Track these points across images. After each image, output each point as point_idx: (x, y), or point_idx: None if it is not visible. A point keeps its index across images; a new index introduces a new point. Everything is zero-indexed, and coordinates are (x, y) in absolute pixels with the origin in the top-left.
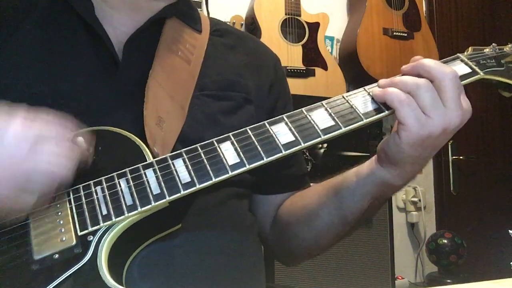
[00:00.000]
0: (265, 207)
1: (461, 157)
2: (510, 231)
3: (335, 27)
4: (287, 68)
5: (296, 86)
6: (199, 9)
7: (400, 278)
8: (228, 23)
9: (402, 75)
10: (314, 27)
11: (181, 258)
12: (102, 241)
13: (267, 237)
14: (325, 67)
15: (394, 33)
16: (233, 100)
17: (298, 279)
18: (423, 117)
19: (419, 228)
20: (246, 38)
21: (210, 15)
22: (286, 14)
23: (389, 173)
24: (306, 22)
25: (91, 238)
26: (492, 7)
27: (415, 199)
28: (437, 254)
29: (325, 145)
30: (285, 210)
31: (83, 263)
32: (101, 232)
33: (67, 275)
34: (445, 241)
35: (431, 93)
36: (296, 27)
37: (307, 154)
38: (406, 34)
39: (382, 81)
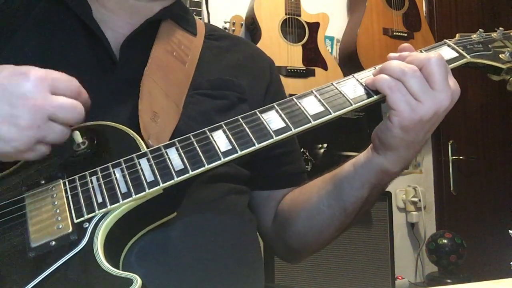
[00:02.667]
0: (265, 203)
1: (461, 157)
2: (510, 231)
3: (335, 27)
4: (287, 68)
5: (296, 86)
6: (198, 9)
7: (400, 278)
8: (227, 22)
9: None
10: (314, 27)
11: (179, 249)
12: (97, 228)
13: (268, 234)
14: (325, 67)
15: (394, 33)
16: (227, 99)
17: (298, 279)
18: (413, 102)
19: (419, 228)
20: (241, 42)
21: (210, 15)
22: (286, 14)
23: (386, 159)
24: (306, 22)
25: (87, 225)
26: (492, 7)
27: (415, 199)
28: (437, 254)
29: (325, 145)
30: (285, 206)
31: (79, 249)
32: (96, 219)
33: (63, 261)
34: (445, 241)
35: (418, 78)
36: (296, 27)
37: (307, 154)
38: (406, 34)
39: (375, 71)
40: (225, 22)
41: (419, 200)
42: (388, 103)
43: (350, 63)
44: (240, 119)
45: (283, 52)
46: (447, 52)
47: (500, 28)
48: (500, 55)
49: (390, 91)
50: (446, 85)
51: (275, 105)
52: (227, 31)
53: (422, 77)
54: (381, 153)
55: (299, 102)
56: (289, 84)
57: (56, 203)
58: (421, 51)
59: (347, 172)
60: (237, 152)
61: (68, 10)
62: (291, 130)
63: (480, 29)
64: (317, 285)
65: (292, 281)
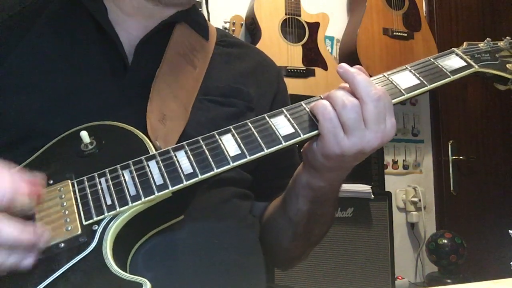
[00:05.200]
0: (255, 213)
1: (461, 157)
2: (510, 231)
3: (335, 27)
4: (287, 68)
5: (296, 86)
6: (199, 9)
7: (400, 278)
8: (227, 22)
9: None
10: (314, 27)
11: (184, 252)
12: (107, 230)
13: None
14: (325, 67)
15: (394, 33)
16: (235, 107)
17: (298, 279)
18: (340, 136)
19: (419, 228)
20: (251, 50)
21: (210, 15)
22: (286, 14)
23: (309, 174)
24: (306, 22)
25: (96, 228)
26: (492, 7)
27: (415, 199)
28: (437, 254)
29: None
30: (263, 216)
31: (88, 252)
32: (105, 222)
33: (73, 263)
34: (445, 241)
35: (354, 115)
36: (296, 27)
37: None
38: (406, 34)
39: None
40: (225, 22)
41: (419, 200)
42: (319, 129)
43: (350, 63)
44: (249, 123)
45: (283, 52)
46: (455, 61)
47: (507, 37)
48: (507, 65)
49: (322, 118)
50: (379, 127)
51: (284, 110)
52: (227, 31)
53: (359, 113)
54: (305, 168)
55: (308, 108)
56: (289, 84)
57: (64, 204)
58: (429, 60)
59: (289, 185)
60: (246, 157)
61: (82, 9)
62: (300, 136)
63: (487, 38)
64: (317, 285)
65: (292, 281)
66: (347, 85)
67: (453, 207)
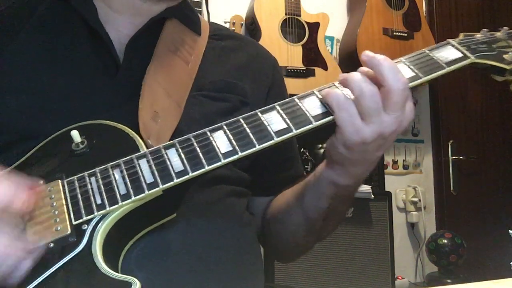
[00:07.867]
0: (257, 208)
1: (461, 157)
2: (510, 231)
3: (335, 27)
4: (287, 68)
5: (296, 86)
6: (199, 9)
7: (400, 278)
8: (227, 22)
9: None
10: (314, 27)
11: (179, 252)
12: (96, 230)
13: (260, 235)
14: (325, 67)
15: (394, 33)
16: (229, 102)
17: (298, 279)
18: (358, 124)
19: (419, 228)
20: (245, 42)
21: (210, 15)
22: (286, 14)
23: (334, 172)
24: (306, 22)
25: (86, 227)
26: (492, 7)
27: (415, 199)
28: (437, 254)
29: (325, 145)
30: (268, 210)
31: (78, 251)
32: (95, 221)
33: (62, 263)
34: (445, 241)
35: (373, 103)
36: (296, 27)
37: (307, 154)
38: (406, 34)
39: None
40: (225, 22)
41: (419, 200)
42: (335, 120)
43: (350, 63)
44: (241, 120)
45: (283, 52)
46: (450, 52)
47: (504, 27)
48: (504, 56)
49: (337, 109)
50: (401, 111)
51: (276, 106)
52: None
53: (378, 101)
54: (329, 166)
55: (301, 103)
56: (289, 84)
57: (54, 204)
58: (424, 51)
59: (309, 182)
60: (238, 154)
61: (72, 10)
62: (293, 131)
63: (484, 29)
64: (317, 285)
65: (292, 281)
66: (365, 68)
67: (453, 207)
